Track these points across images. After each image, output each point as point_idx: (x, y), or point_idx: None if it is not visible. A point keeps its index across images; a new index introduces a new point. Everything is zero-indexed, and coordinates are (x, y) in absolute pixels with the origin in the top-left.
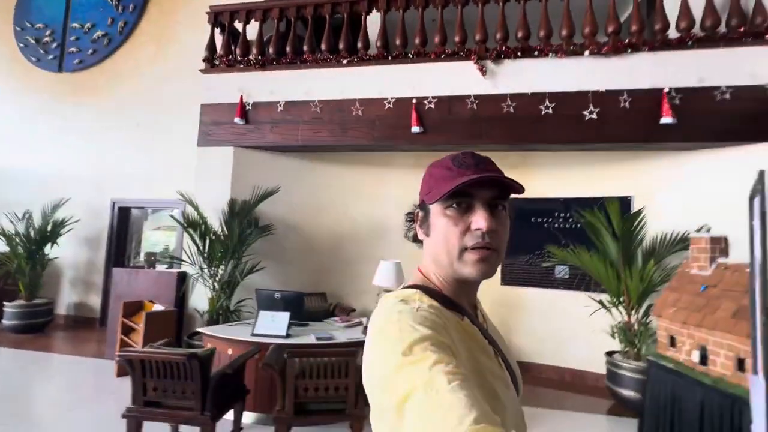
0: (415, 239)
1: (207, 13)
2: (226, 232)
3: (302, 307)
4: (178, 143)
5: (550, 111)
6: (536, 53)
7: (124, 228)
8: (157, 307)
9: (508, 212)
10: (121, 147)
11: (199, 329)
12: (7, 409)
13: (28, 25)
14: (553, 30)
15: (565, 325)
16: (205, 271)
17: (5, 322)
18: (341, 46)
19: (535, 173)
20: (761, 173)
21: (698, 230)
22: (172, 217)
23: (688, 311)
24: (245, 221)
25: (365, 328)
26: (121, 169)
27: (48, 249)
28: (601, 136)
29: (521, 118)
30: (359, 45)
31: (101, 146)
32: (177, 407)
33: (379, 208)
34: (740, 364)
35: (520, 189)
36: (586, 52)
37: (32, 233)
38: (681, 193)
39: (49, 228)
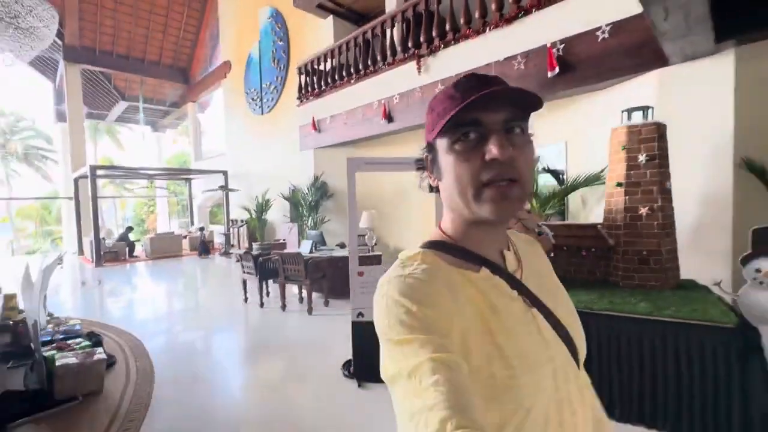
0: (432, 188)
1: (296, 69)
2: (306, 201)
3: (322, 239)
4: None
5: None
6: (453, 42)
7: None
8: (281, 242)
9: (529, 135)
10: (289, 154)
11: (287, 251)
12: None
13: (247, 91)
14: (472, 17)
15: None
16: (302, 223)
17: (254, 252)
18: (352, 70)
19: None
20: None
21: (602, 171)
22: (280, 195)
23: None
24: (317, 193)
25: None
26: (290, 166)
27: (265, 216)
28: None
29: None
30: (360, 67)
31: (281, 155)
32: (251, 273)
33: (404, 176)
34: None
35: (537, 101)
36: (488, 29)
37: (256, 207)
38: (595, 132)
39: (263, 204)
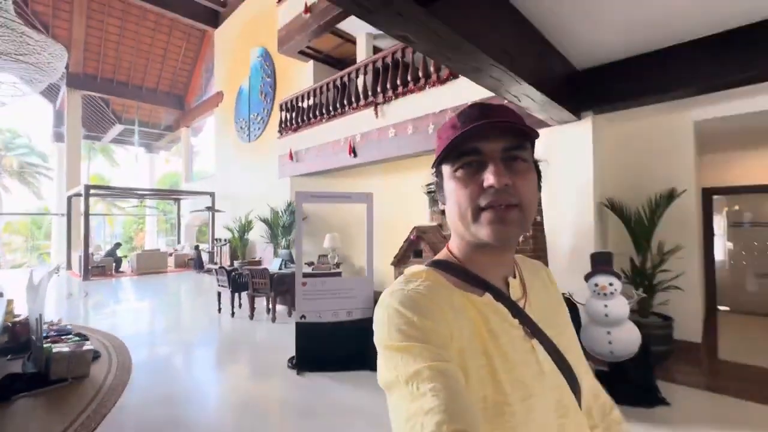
0: (443, 211)
1: (278, 106)
2: (281, 223)
3: (291, 258)
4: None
5: (411, 131)
6: (402, 95)
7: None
8: (257, 260)
9: (533, 162)
10: (270, 180)
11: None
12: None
13: (237, 120)
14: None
15: None
16: (277, 243)
17: (229, 268)
18: (324, 110)
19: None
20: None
21: None
22: (258, 217)
23: None
24: (291, 216)
25: (312, 265)
26: (271, 191)
27: (246, 236)
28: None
29: (399, 138)
30: (330, 108)
31: (264, 180)
32: (224, 286)
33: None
34: None
35: (530, 132)
36: (427, 86)
37: (238, 228)
38: None
39: (245, 225)
